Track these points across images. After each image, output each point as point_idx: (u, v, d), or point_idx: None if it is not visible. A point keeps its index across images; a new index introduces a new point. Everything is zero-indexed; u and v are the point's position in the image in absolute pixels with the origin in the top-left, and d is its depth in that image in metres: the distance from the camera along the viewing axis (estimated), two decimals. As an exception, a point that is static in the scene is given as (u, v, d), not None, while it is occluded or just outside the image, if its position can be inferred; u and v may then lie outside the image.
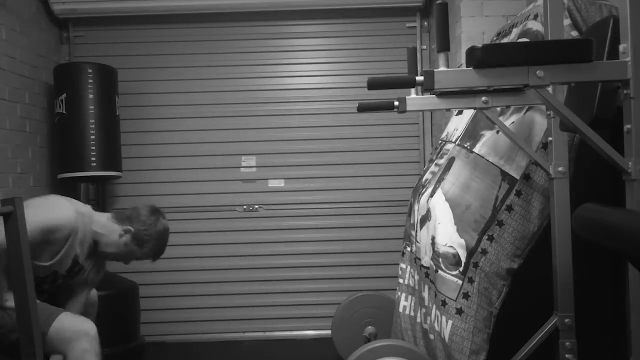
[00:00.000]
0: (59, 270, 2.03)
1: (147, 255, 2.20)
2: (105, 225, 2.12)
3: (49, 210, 1.95)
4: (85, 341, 1.84)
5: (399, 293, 2.47)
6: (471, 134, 2.19)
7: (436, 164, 2.37)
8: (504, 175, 2.00)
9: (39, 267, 1.95)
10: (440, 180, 2.17)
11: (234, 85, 3.77)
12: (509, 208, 1.97)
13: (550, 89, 1.62)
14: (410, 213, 2.50)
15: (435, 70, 1.44)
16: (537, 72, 1.37)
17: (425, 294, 2.19)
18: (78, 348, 1.83)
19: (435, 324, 2.07)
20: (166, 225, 2.21)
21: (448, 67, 1.47)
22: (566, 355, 1.75)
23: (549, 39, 1.62)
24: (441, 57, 1.48)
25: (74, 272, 2.10)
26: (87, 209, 2.11)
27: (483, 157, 2.06)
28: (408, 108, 1.97)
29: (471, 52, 1.38)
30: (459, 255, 1.99)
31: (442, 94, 1.79)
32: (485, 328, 1.95)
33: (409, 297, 2.40)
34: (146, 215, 2.15)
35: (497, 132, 2.06)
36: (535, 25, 2.11)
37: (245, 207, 3.74)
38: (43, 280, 2.01)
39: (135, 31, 3.78)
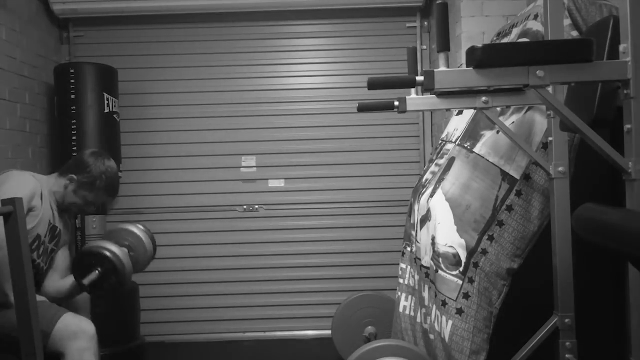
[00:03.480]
0: (41, 234, 2.08)
1: (101, 197, 2.22)
2: (55, 182, 2.18)
3: (18, 184, 2.00)
4: (84, 340, 1.89)
5: (399, 293, 2.47)
6: (471, 134, 2.19)
7: (436, 164, 2.37)
8: (504, 175, 2.00)
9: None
10: (440, 180, 2.17)
11: (234, 85, 3.77)
12: (509, 208, 1.97)
13: (550, 89, 1.62)
14: (410, 213, 2.50)
15: (435, 70, 1.44)
16: (537, 72, 1.37)
17: (425, 294, 2.19)
18: (77, 347, 1.88)
19: (435, 324, 2.07)
20: (110, 164, 2.23)
21: (448, 67, 1.47)
22: (566, 355, 1.75)
23: (549, 39, 1.62)
24: (441, 57, 1.48)
25: (54, 235, 2.16)
26: (36, 175, 2.17)
27: (483, 157, 2.06)
28: (408, 108, 1.97)
29: (471, 52, 1.38)
30: (459, 255, 1.99)
31: (442, 94, 1.79)
32: (485, 328, 1.95)
33: (409, 297, 2.40)
34: (86, 160, 2.19)
35: (497, 132, 2.06)
36: (535, 25, 2.11)
37: (245, 207, 3.74)
38: (32, 250, 2.06)
39: (135, 31, 3.78)
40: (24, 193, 1.94)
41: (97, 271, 2.03)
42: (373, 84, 1.64)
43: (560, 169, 1.78)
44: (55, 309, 1.93)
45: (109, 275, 2.04)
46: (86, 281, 2.02)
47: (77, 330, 1.89)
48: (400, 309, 2.43)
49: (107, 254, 2.03)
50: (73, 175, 2.15)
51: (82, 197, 2.18)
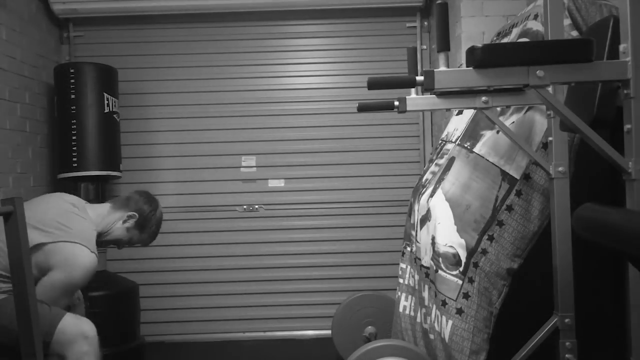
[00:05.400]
0: None
1: (144, 241, 2.27)
2: (106, 215, 2.19)
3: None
4: (85, 343, 1.89)
5: (399, 293, 2.47)
6: (471, 134, 2.19)
7: (436, 164, 2.37)
8: (504, 175, 2.00)
9: None
10: (440, 180, 2.17)
11: (233, 85, 3.77)
12: (509, 208, 1.97)
13: (550, 89, 1.62)
14: (410, 213, 2.50)
15: (435, 70, 1.44)
16: (537, 72, 1.37)
17: (425, 294, 2.19)
18: (78, 350, 1.87)
19: (436, 324, 2.07)
20: (161, 212, 2.31)
21: (448, 67, 1.47)
22: (566, 355, 1.75)
23: (549, 39, 1.62)
24: (441, 57, 1.48)
25: None
26: (82, 204, 2.16)
27: (483, 157, 2.06)
28: (408, 108, 1.97)
29: (471, 52, 1.38)
30: (459, 255, 1.99)
31: (442, 94, 1.79)
32: (485, 328, 1.95)
33: (409, 297, 2.40)
34: (145, 202, 2.23)
35: (497, 132, 2.06)
36: (535, 25, 2.11)
37: (245, 207, 3.74)
38: None
39: (135, 31, 3.77)
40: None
41: None
42: (373, 84, 1.64)
43: (560, 169, 1.78)
44: (55, 311, 1.92)
45: None
46: None
47: (77, 333, 1.89)
48: (400, 309, 2.43)
49: None
50: (134, 213, 2.19)
51: (131, 235, 2.21)
